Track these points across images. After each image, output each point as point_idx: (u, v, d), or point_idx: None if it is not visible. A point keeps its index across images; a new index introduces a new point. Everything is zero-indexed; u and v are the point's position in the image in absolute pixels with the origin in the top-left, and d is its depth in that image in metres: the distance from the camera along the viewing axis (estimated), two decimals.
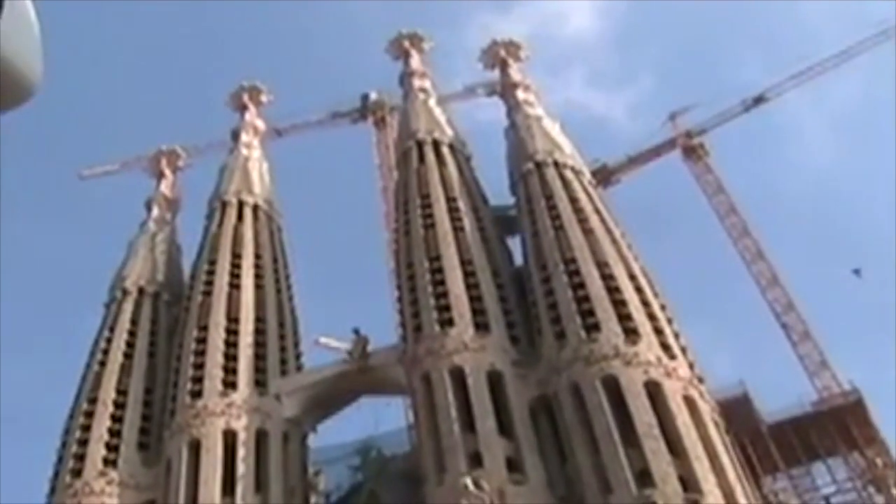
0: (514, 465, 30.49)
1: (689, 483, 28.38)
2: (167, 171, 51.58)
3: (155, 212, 47.83)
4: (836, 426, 47.21)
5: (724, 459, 30.06)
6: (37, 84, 3.56)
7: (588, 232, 36.38)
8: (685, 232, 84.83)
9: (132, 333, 39.87)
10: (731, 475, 29.69)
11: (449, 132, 44.24)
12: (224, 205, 44.37)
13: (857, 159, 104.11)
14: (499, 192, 42.38)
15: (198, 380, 36.06)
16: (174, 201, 49.95)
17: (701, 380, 33.05)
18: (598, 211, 38.10)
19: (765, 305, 57.38)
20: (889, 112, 68.04)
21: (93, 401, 36.82)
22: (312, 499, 36.58)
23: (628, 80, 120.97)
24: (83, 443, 35.51)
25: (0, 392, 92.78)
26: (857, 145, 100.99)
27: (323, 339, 42.53)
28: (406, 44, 50.96)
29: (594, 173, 47.94)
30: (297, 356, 39.27)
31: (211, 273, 40.48)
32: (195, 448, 33.87)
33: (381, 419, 39.93)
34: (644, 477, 28.39)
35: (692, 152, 63.88)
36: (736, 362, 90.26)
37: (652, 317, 33.68)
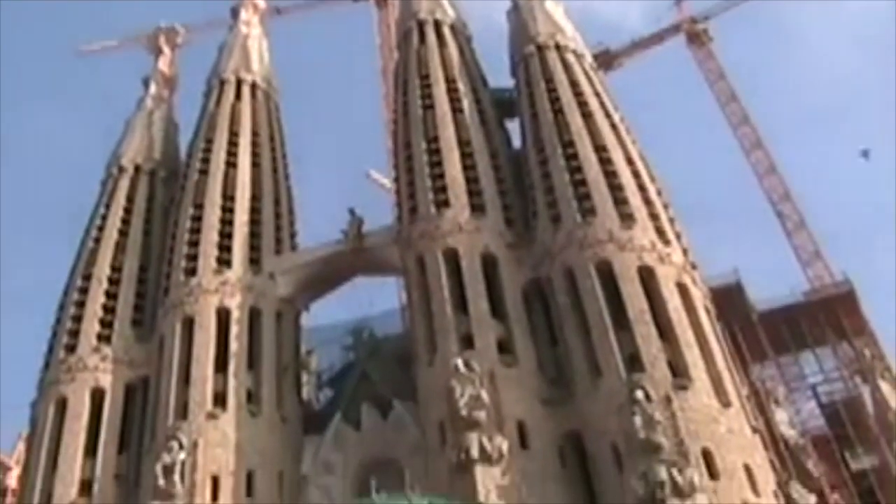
0: (505, 348, 29.99)
1: (678, 368, 27.85)
2: (165, 49, 50.05)
3: (152, 89, 46.36)
4: (826, 316, 46.91)
5: (714, 346, 29.51)
6: None
7: (587, 116, 35.18)
8: (686, 119, 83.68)
9: (128, 211, 38.88)
10: (720, 361, 29.19)
11: (450, 13, 42.55)
12: (222, 83, 42.90)
13: (866, 66, 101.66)
14: (499, 74, 41.06)
15: (192, 257, 35.26)
16: (172, 79, 48.49)
17: (694, 266, 32.32)
18: (598, 95, 36.83)
19: (762, 195, 56.76)
20: None
21: (87, 277, 36.10)
22: (304, 377, 36.14)
23: None
24: (77, 319, 34.91)
25: None
26: (869, 56, 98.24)
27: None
28: None
29: (596, 57, 46.36)
30: (293, 235, 38.37)
31: (208, 151, 39.29)
32: (189, 325, 33.27)
33: (375, 300, 39.48)
34: (634, 361, 27.85)
35: (696, 38, 62.72)
36: (731, 253, 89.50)
37: (648, 202, 32.77)
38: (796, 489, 26.91)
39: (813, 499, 27.05)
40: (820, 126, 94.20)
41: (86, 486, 30.89)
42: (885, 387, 46.67)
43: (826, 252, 53.26)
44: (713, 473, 25.56)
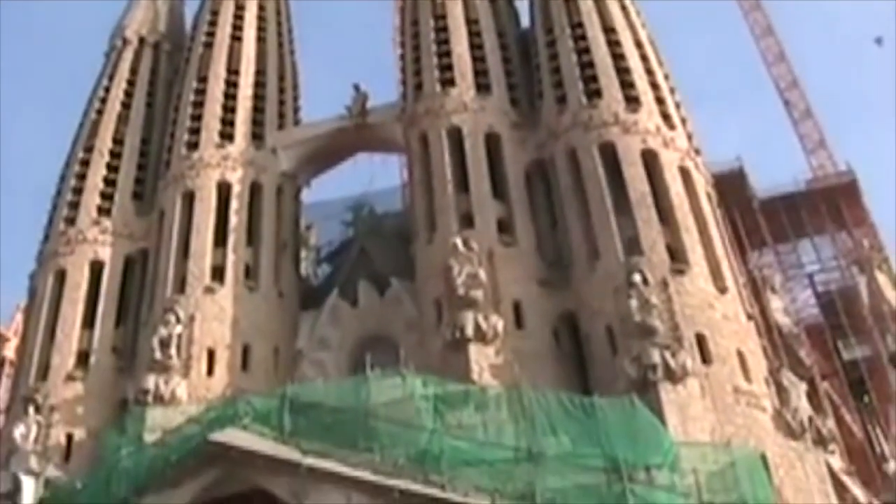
0: (504, 228, 29.15)
1: (676, 253, 26.99)
2: None
3: None
4: (827, 205, 45.76)
5: (714, 231, 28.60)
6: None
7: None
8: (696, 4, 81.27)
9: (131, 83, 37.35)
10: (719, 247, 28.31)
11: None
12: None
13: None
14: None
15: (195, 131, 34.05)
16: None
17: (698, 151, 31.30)
18: None
19: (769, 83, 55.17)
20: None
21: (89, 150, 34.89)
22: (303, 253, 35.45)
23: None
24: (78, 191, 33.88)
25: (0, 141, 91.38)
26: None
27: None
28: None
29: None
30: (296, 111, 37.05)
31: (213, 24, 37.62)
32: (189, 199, 32.29)
33: (377, 177, 38.34)
34: (632, 244, 26.98)
35: None
36: (737, 140, 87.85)
37: (655, 86, 31.53)
38: (787, 377, 26.21)
39: (803, 387, 26.34)
40: (832, 13, 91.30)
41: (83, 358, 30.31)
42: (881, 278, 45.96)
43: (831, 142, 51.92)
44: (706, 358, 24.91)
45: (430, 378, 22.35)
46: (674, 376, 23.78)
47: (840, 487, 25.25)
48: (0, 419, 35.41)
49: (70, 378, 29.68)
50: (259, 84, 36.03)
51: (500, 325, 26.04)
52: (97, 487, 22.74)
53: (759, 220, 43.02)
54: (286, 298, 31.39)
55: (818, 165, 50.04)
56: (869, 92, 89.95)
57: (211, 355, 28.59)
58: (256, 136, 34.37)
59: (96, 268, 32.15)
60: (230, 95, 35.22)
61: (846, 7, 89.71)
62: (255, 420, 21.60)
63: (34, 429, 27.87)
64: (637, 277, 25.51)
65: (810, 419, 25.20)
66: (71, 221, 33.13)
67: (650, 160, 29.05)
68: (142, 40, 39.32)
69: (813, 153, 51.00)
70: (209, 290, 29.99)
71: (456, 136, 31.12)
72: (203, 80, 35.61)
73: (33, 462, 26.33)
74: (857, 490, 26.70)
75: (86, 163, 34.62)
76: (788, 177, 46.12)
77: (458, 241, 27.69)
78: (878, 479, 35.87)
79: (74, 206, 33.51)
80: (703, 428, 23.26)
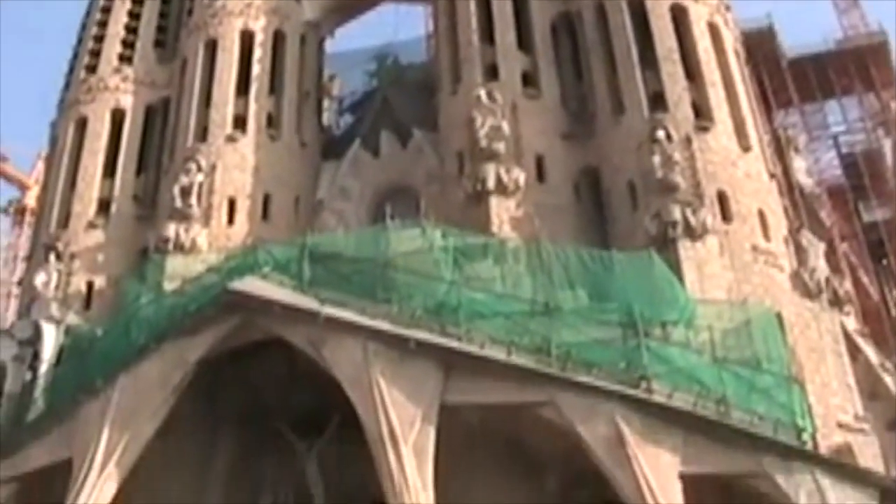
0: (529, 80, 27.95)
1: (701, 109, 25.79)
2: None
3: None
4: (856, 66, 44.26)
5: (740, 89, 27.29)
6: None
7: None
8: None
9: None
10: (745, 105, 27.06)
11: None
12: None
13: None
14: None
15: None
16: None
17: (728, 7, 29.71)
18: None
19: None
20: None
21: None
22: (326, 103, 34.44)
23: None
24: (99, 39, 32.81)
25: None
26: None
27: None
28: None
29: None
30: None
31: None
32: (211, 47, 31.07)
33: (401, 27, 36.89)
34: (658, 100, 25.78)
35: None
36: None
37: None
38: (807, 237, 25.44)
39: (822, 247, 25.60)
40: None
41: (104, 206, 29.81)
42: None
43: (864, 2, 49.71)
44: (726, 216, 24.06)
45: (449, 230, 21.63)
46: (693, 233, 23.08)
47: (853, 348, 24.78)
48: (21, 267, 35.29)
49: (91, 226, 29.26)
50: None
51: (521, 177, 25.23)
52: (117, 335, 22.40)
53: (786, 79, 41.65)
54: (308, 148, 30.57)
55: (850, 25, 47.99)
56: None
57: (232, 204, 27.92)
58: None
59: (118, 116, 31.35)
60: None
61: None
62: (274, 269, 21.05)
63: (55, 276, 27.65)
64: (661, 133, 24.55)
65: (827, 280, 24.54)
66: (92, 69, 32.18)
67: (679, 15, 27.63)
68: None
69: (845, 13, 48.85)
70: (231, 139, 29.11)
71: None
72: None
73: (54, 309, 25.98)
74: (869, 351, 26.23)
75: (107, 10, 33.41)
76: (819, 37, 44.49)
77: (482, 93, 26.65)
78: (892, 341, 35.55)
79: (96, 53, 32.49)
80: (720, 285, 22.64)
